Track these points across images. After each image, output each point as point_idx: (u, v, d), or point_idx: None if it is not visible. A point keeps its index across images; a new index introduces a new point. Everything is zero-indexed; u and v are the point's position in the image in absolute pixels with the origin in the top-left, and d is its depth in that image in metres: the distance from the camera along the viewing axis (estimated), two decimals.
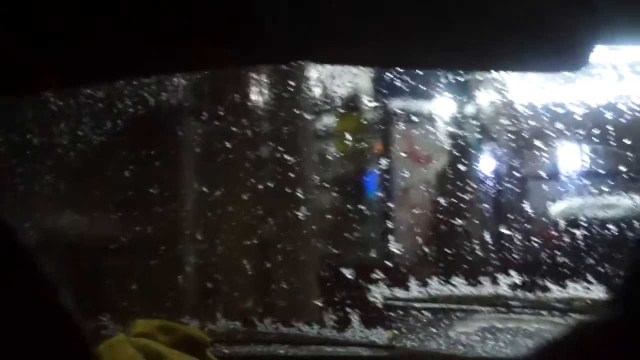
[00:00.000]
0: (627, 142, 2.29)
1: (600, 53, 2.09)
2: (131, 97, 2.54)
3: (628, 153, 2.29)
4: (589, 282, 2.23)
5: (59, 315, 0.82)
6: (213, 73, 2.54)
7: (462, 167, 2.49)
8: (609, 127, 2.30)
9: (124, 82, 2.42)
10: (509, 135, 2.44)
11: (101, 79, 1.99)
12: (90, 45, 1.37)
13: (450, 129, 2.52)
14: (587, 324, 0.98)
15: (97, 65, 1.48)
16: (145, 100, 2.57)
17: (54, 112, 2.50)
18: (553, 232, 2.38)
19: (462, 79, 2.44)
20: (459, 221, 2.50)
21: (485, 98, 2.48)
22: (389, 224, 2.57)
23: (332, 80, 2.58)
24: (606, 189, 2.36)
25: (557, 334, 0.89)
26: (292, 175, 2.60)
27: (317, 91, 2.62)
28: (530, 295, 2.27)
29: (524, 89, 2.42)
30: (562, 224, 2.38)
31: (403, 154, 2.58)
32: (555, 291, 2.25)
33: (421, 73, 2.42)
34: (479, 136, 2.51)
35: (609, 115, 2.29)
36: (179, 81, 2.58)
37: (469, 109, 2.50)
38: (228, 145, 2.64)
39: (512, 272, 2.30)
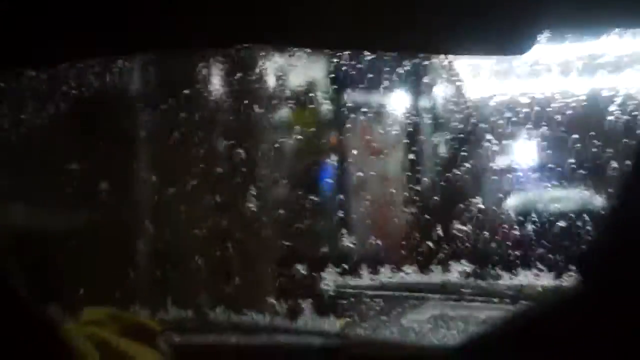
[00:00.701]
0: (576, 135, 2.31)
1: (550, 45, 2.11)
2: (77, 79, 2.50)
3: (578, 146, 2.32)
4: (539, 270, 2.25)
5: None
6: (162, 59, 2.52)
7: (414, 159, 2.50)
8: (559, 120, 2.32)
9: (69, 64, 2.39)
10: (462, 127, 2.46)
11: (45, 60, 1.96)
12: (34, 25, 1.36)
13: (404, 121, 2.53)
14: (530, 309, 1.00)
15: (42, 46, 1.46)
16: (91, 84, 2.53)
17: None
18: (504, 224, 2.40)
19: (416, 73, 2.45)
20: (411, 212, 2.51)
21: (438, 91, 2.49)
22: (342, 215, 2.57)
23: (286, 72, 2.58)
24: (556, 183, 2.38)
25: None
26: (245, 167, 2.59)
27: (270, 83, 2.61)
28: (481, 283, 2.28)
29: (477, 83, 2.44)
30: (512, 215, 2.40)
31: (357, 146, 2.58)
32: (506, 279, 2.28)
33: (375, 65, 2.42)
34: (431, 129, 2.52)
35: (559, 108, 2.31)
36: (126, 65, 2.55)
37: (423, 102, 2.51)
38: (179, 135, 2.61)
39: (464, 261, 2.32)
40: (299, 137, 2.61)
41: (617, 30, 2.03)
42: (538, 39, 1.51)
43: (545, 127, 2.32)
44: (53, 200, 2.69)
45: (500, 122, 2.37)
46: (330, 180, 2.62)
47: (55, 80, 2.49)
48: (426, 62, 2.42)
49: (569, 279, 2.21)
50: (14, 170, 2.60)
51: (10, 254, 2.49)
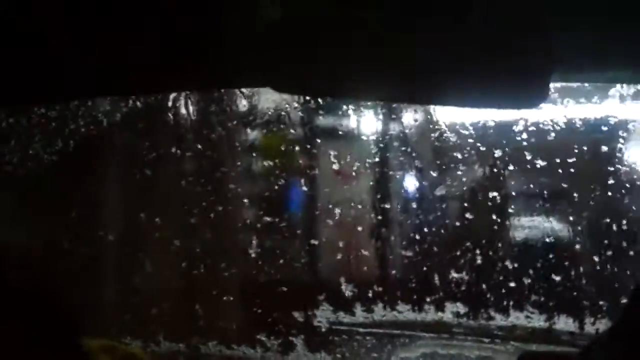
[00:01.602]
0: (546, 164, 2.33)
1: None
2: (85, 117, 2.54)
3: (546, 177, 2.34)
4: (531, 312, 2.27)
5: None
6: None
7: (384, 186, 2.51)
8: (530, 149, 2.34)
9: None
10: (432, 154, 2.47)
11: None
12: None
13: (374, 147, 2.53)
14: None
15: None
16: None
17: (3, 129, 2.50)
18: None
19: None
20: (379, 238, 2.51)
21: (409, 117, 2.49)
22: (313, 241, 2.57)
23: (257, 96, 2.59)
24: (529, 211, 2.39)
25: None
26: (218, 189, 2.60)
27: (243, 107, 2.62)
28: (472, 322, 2.29)
29: (447, 109, 2.44)
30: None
31: (327, 171, 2.58)
32: (498, 319, 2.28)
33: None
34: (402, 155, 2.52)
35: (530, 136, 2.33)
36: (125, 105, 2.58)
37: (393, 128, 2.50)
38: (154, 160, 2.63)
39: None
40: (272, 160, 2.62)
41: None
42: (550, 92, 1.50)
43: (529, 156, 2.34)
44: (51, 232, 2.71)
45: (472, 152, 2.38)
46: (301, 208, 2.61)
47: (64, 118, 2.52)
48: None
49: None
50: (20, 201, 2.61)
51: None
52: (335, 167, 2.54)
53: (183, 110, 2.61)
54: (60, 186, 2.65)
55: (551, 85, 1.43)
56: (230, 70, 1.58)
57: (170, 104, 2.60)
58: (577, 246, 2.33)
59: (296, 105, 2.54)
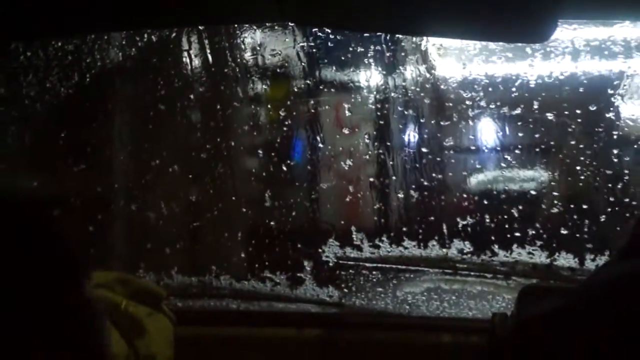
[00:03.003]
0: (550, 117, 2.35)
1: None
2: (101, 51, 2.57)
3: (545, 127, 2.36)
4: (533, 249, 2.31)
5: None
6: (158, 37, 2.58)
7: (386, 137, 2.54)
8: (529, 101, 2.36)
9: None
10: (433, 106, 2.49)
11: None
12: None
13: (376, 98, 2.55)
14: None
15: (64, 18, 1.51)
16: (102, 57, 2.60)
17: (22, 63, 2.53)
18: (466, 203, 2.44)
19: (389, 51, 2.48)
20: (380, 188, 2.55)
21: (410, 70, 2.51)
22: (316, 189, 2.62)
23: (262, 47, 2.61)
24: (523, 163, 2.42)
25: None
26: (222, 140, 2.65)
27: (248, 58, 2.64)
28: (475, 259, 2.34)
29: (448, 62, 2.47)
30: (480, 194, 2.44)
31: (330, 123, 2.61)
32: (501, 255, 2.33)
33: (349, 44, 2.47)
34: (403, 107, 2.55)
35: (529, 88, 2.35)
36: (139, 39, 2.60)
37: (395, 80, 2.53)
38: (161, 107, 2.67)
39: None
40: (276, 111, 2.66)
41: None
42: (557, 26, 1.49)
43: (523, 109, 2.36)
44: (66, 165, 2.75)
45: (473, 104, 2.41)
46: (305, 158, 2.65)
47: (80, 52, 2.56)
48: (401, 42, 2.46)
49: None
50: (39, 138, 2.66)
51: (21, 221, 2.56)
52: (338, 117, 2.58)
53: (193, 56, 2.64)
54: (76, 119, 2.70)
55: None
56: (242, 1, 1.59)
57: (183, 46, 2.64)
58: (576, 191, 2.37)
59: (300, 56, 2.56)
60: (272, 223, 2.61)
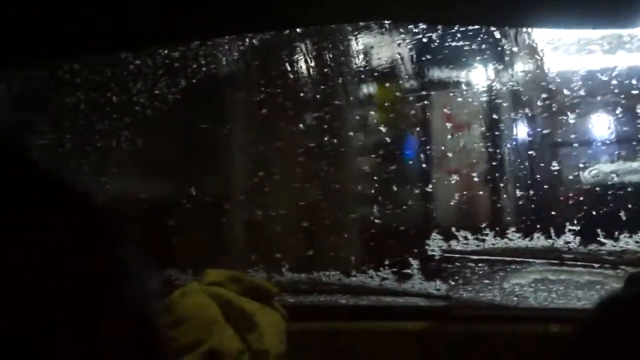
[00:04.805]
0: None
1: None
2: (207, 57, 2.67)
3: None
4: None
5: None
6: (262, 40, 2.65)
7: (497, 133, 2.55)
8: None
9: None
10: (543, 102, 2.49)
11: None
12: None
13: (485, 96, 2.56)
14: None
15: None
16: (213, 61, 2.70)
17: (131, 71, 2.65)
18: (596, 193, 2.43)
19: (497, 49, 2.49)
20: (492, 184, 2.56)
21: (519, 67, 2.51)
22: (429, 187, 2.65)
23: (372, 50, 2.65)
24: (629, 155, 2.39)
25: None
26: (333, 140, 2.71)
27: (358, 61, 2.69)
28: (582, 249, 2.33)
29: (556, 59, 2.46)
30: (605, 186, 2.42)
31: (440, 121, 2.64)
32: (608, 245, 2.31)
33: (459, 41, 2.48)
34: (513, 103, 2.55)
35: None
36: (242, 44, 2.69)
37: (504, 78, 2.53)
38: (274, 111, 2.75)
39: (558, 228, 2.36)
40: (386, 111, 2.70)
41: None
42: None
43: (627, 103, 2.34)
44: (174, 169, 2.87)
45: (584, 98, 2.40)
46: (417, 157, 2.68)
47: (186, 58, 2.66)
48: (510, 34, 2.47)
49: None
50: (147, 143, 2.78)
51: (135, 219, 2.68)
52: (448, 116, 2.61)
53: (298, 64, 2.71)
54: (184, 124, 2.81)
55: None
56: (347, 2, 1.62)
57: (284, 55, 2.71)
58: None
59: (407, 56, 2.60)
60: (380, 220, 2.67)
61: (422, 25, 2.47)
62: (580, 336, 0.98)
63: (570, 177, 2.47)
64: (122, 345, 0.74)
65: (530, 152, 2.51)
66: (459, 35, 2.47)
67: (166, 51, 2.62)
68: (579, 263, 2.32)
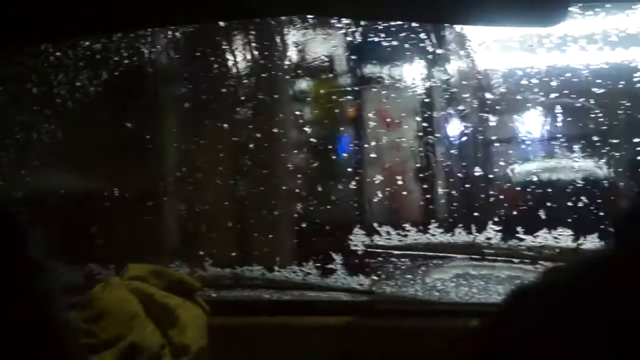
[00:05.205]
0: (585, 107, 2.37)
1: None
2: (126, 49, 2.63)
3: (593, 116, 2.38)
4: (559, 233, 2.33)
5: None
6: (193, 32, 2.63)
7: (429, 131, 2.57)
8: (574, 91, 2.38)
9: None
10: (476, 100, 2.52)
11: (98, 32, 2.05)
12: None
13: (419, 93, 2.59)
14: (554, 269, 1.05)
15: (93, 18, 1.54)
16: (138, 53, 2.66)
17: (52, 63, 2.60)
18: (517, 191, 2.47)
19: (432, 46, 2.51)
20: (424, 181, 2.59)
21: (453, 64, 2.54)
22: (360, 183, 2.66)
23: (306, 45, 2.65)
24: (568, 153, 2.43)
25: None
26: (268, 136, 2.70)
27: (292, 56, 2.69)
28: (502, 244, 2.36)
29: (491, 56, 2.49)
30: (531, 183, 2.46)
31: (374, 118, 2.65)
32: (527, 240, 2.35)
33: (392, 39, 2.50)
34: (447, 101, 2.57)
35: (574, 78, 2.37)
36: (173, 35, 2.66)
37: (438, 75, 2.56)
38: (206, 103, 2.72)
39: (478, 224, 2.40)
40: (321, 107, 2.70)
41: None
42: (570, 10, 1.48)
43: (564, 98, 2.38)
44: (98, 163, 2.82)
45: (516, 96, 2.43)
46: (349, 153, 2.69)
47: (107, 50, 2.62)
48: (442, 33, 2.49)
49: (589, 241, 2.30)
50: (69, 135, 2.72)
51: (57, 213, 2.63)
52: (381, 113, 2.61)
53: (231, 57, 2.69)
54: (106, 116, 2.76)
55: None
56: None
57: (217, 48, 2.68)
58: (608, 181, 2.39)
59: (342, 53, 2.60)
60: (307, 216, 2.67)
61: (356, 21, 2.47)
62: (484, 330, 0.98)
63: (491, 176, 2.50)
64: (25, 340, 0.72)
65: (454, 150, 2.54)
66: (392, 32, 2.48)
67: (87, 43, 2.57)
68: (499, 258, 2.35)
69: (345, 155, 2.69)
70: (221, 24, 2.58)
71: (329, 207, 2.64)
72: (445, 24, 2.43)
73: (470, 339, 0.98)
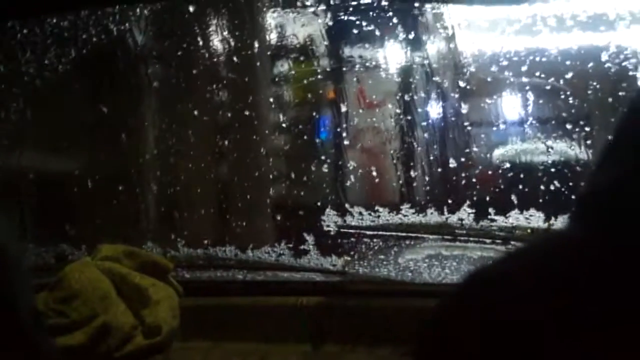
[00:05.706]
0: (562, 90, 2.37)
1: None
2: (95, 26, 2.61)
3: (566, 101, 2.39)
4: (530, 214, 2.34)
5: None
6: (171, 13, 2.61)
7: (403, 113, 2.57)
8: (551, 75, 2.38)
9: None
10: (451, 82, 2.52)
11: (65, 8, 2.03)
12: None
13: (399, 75, 2.58)
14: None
15: None
16: (108, 30, 2.63)
17: (20, 40, 2.57)
18: (495, 172, 2.47)
19: (412, 28, 2.51)
20: (405, 162, 2.59)
21: (433, 46, 2.54)
22: (340, 164, 2.66)
23: (286, 27, 2.64)
24: (539, 135, 2.44)
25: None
26: (246, 117, 2.68)
27: (272, 38, 2.68)
28: (474, 225, 2.37)
29: (471, 38, 2.49)
30: (504, 165, 2.46)
31: (354, 99, 2.65)
32: (499, 221, 2.36)
33: (372, 22, 2.49)
34: (427, 82, 2.57)
35: (551, 62, 2.37)
36: (141, 12, 2.63)
37: (418, 57, 2.56)
38: (185, 86, 2.71)
39: (454, 205, 2.40)
40: (301, 89, 2.69)
41: None
42: None
43: (537, 80, 2.39)
44: (70, 143, 2.80)
45: (495, 78, 2.43)
46: (330, 135, 2.69)
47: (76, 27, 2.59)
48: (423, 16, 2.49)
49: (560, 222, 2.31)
50: (38, 115, 2.70)
51: (28, 194, 2.61)
52: (361, 94, 2.61)
53: (210, 40, 2.67)
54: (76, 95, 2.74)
55: None
56: None
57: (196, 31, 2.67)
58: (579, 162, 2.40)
59: (323, 35, 2.59)
60: (280, 197, 2.67)
61: (337, 3, 2.47)
62: (440, 311, 0.98)
63: (464, 159, 2.50)
64: None
65: (427, 133, 2.54)
66: (373, 12, 2.48)
67: (55, 20, 2.55)
68: (471, 239, 2.37)
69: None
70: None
71: (303, 188, 2.64)
72: (421, 2, 2.43)
73: (426, 324, 0.97)
